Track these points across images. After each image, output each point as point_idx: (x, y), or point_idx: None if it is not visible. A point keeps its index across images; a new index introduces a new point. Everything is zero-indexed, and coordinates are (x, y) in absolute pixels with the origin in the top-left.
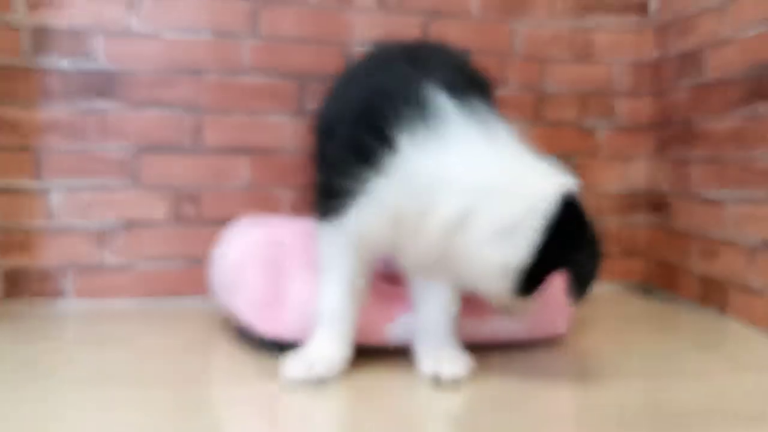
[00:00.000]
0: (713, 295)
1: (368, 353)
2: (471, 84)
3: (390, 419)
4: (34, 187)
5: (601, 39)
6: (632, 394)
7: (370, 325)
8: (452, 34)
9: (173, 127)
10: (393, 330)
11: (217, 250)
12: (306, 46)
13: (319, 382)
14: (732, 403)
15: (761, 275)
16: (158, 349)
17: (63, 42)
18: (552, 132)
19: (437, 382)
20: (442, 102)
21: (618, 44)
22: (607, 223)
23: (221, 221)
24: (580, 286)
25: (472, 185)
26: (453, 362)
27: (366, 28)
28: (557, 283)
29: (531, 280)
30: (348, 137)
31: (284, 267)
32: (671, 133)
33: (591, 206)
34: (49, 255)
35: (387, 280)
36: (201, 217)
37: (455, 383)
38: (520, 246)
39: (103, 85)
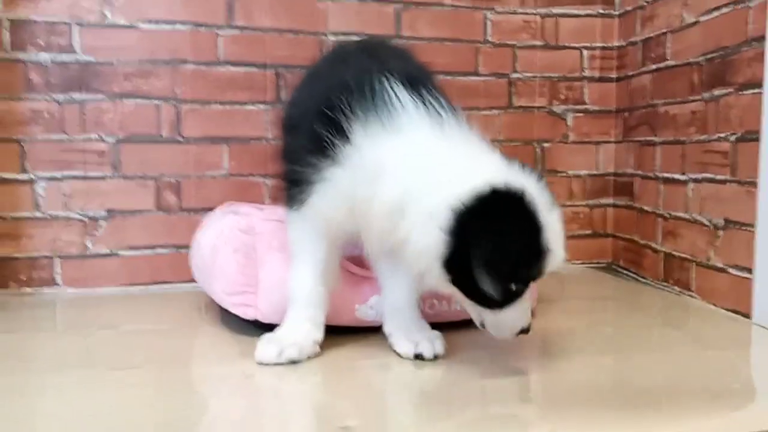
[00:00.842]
0: (677, 273)
1: (340, 332)
2: (421, 74)
3: (363, 396)
4: (18, 178)
5: (569, 27)
6: (599, 371)
7: (341, 305)
8: (425, 23)
9: (152, 117)
10: (364, 310)
11: (194, 237)
12: (282, 37)
13: (291, 363)
14: (697, 380)
15: (723, 254)
16: (143, 333)
17: (41, 35)
18: (523, 118)
19: (419, 361)
20: (395, 94)
21: (585, 32)
22: (578, 205)
23: (202, 209)
24: (479, 282)
25: (410, 173)
26: (433, 342)
27: (340, 18)
28: None
29: (454, 272)
30: (308, 130)
31: (255, 253)
32: (636, 118)
33: (559, 190)
34: (35, 245)
35: (358, 263)
36: (182, 206)
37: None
38: (435, 235)
39: (81, 76)
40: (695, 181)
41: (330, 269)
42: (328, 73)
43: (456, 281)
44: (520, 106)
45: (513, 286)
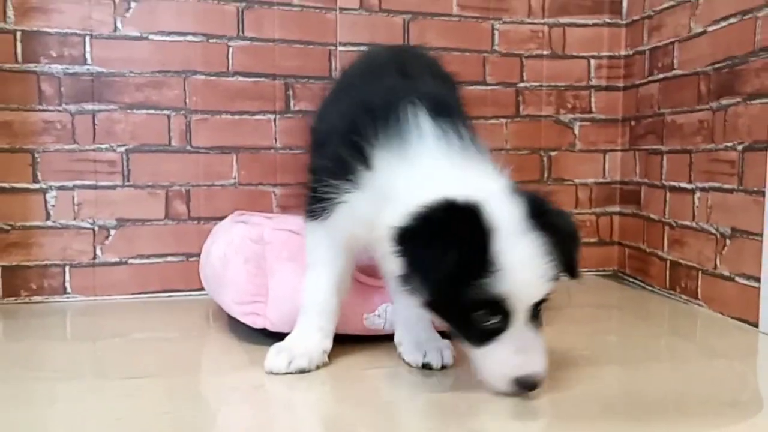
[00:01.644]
0: (684, 282)
1: (348, 340)
2: (446, 96)
3: (371, 405)
4: (30, 188)
5: (576, 36)
6: (606, 380)
7: (350, 314)
8: (433, 33)
9: (163, 127)
10: (372, 319)
11: (204, 246)
12: (291, 48)
13: (300, 373)
14: (705, 389)
15: (730, 263)
16: (152, 341)
17: (53, 46)
18: (530, 126)
19: (427, 370)
20: (417, 122)
21: (592, 41)
22: (584, 213)
23: (212, 218)
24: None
25: (412, 200)
26: (442, 351)
27: (349, 29)
28: None
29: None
30: (333, 152)
31: (265, 262)
32: (643, 126)
33: (566, 199)
34: (46, 253)
35: (367, 272)
36: (192, 215)
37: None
38: (393, 259)
39: (93, 87)
40: (702, 190)
41: (344, 280)
42: (356, 90)
43: (427, 305)
44: (528, 115)
45: (486, 319)
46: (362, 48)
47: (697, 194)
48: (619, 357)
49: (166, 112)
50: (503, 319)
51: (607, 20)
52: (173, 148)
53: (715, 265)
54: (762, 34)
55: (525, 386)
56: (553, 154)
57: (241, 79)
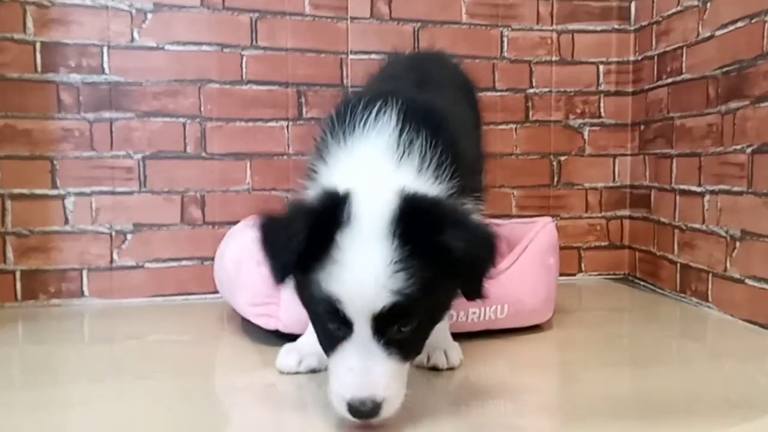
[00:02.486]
0: (694, 284)
1: None
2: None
3: None
4: (49, 194)
5: (585, 42)
6: (617, 383)
7: None
8: (442, 40)
9: (179, 134)
10: None
11: (218, 250)
12: (304, 56)
13: (310, 372)
14: (715, 391)
15: (740, 265)
16: (168, 343)
17: (72, 56)
18: (540, 131)
19: (434, 371)
20: (371, 121)
21: (601, 47)
22: (594, 217)
23: (226, 223)
24: None
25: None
26: (447, 352)
27: (361, 38)
28: (538, 275)
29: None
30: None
31: None
32: (653, 131)
33: (576, 203)
34: (64, 257)
35: None
36: (207, 219)
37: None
38: None
39: (111, 96)
40: (712, 192)
41: None
42: (359, 93)
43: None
44: (537, 120)
45: (328, 321)
46: (373, 56)
47: (707, 197)
48: (630, 359)
49: (181, 119)
50: (343, 326)
51: (616, 26)
52: (189, 154)
53: (726, 267)
54: None
55: (352, 412)
56: (562, 158)
57: (254, 87)
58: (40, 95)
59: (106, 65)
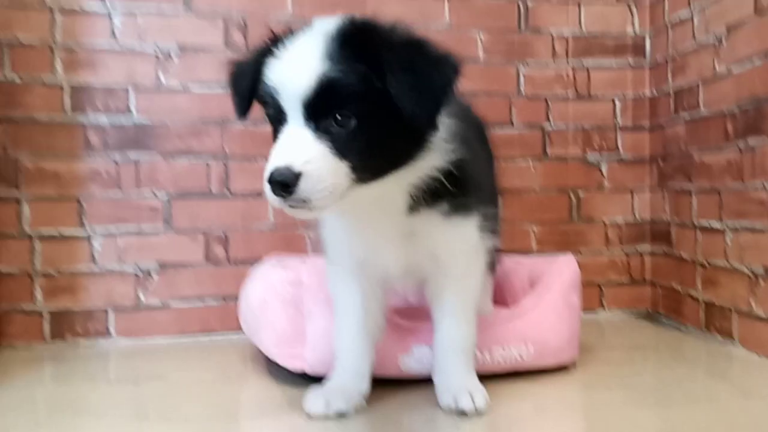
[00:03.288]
0: (719, 322)
1: (387, 383)
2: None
3: None
4: (76, 234)
5: (601, 78)
6: (646, 425)
7: (385, 356)
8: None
9: (203, 174)
10: (408, 361)
11: (243, 290)
12: None
13: (339, 417)
14: (743, 430)
15: (765, 303)
16: (192, 383)
17: (99, 98)
18: (557, 167)
19: (460, 415)
20: None
21: (617, 82)
22: (614, 252)
23: (249, 261)
24: None
25: None
26: (472, 395)
27: None
28: (562, 314)
29: None
30: None
31: (303, 305)
32: (671, 166)
33: (595, 238)
34: (91, 297)
35: (404, 316)
36: (230, 258)
37: (477, 415)
38: None
39: (137, 137)
40: (734, 229)
41: (372, 321)
42: None
43: None
44: (555, 156)
45: (274, 115)
46: None
47: (729, 234)
48: (657, 400)
49: (205, 159)
50: (282, 113)
51: (631, 62)
52: (212, 193)
53: (750, 305)
54: None
55: (272, 187)
56: (581, 194)
57: None
58: (68, 136)
59: (132, 107)
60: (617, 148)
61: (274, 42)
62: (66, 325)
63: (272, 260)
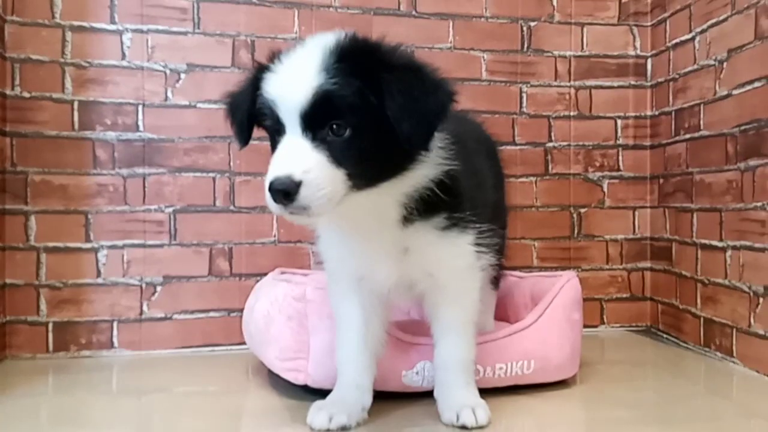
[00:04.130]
0: (719, 339)
1: (388, 397)
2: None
3: None
4: (82, 247)
5: (603, 97)
6: None
7: (388, 371)
8: (464, 96)
9: (208, 189)
10: (410, 376)
11: (248, 304)
12: None
13: (341, 431)
14: None
15: (764, 321)
16: (195, 395)
17: (108, 115)
18: (559, 184)
19: (462, 430)
20: None
21: (618, 102)
22: (615, 269)
23: (252, 275)
24: None
25: None
26: (474, 410)
27: None
28: (564, 330)
29: None
30: None
31: (307, 320)
32: (672, 185)
33: (596, 255)
34: (95, 309)
35: (406, 330)
36: (234, 271)
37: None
38: None
39: (144, 153)
40: (734, 248)
41: (373, 335)
42: None
43: None
44: (557, 173)
45: (273, 128)
46: None
47: (729, 252)
48: (657, 417)
49: (211, 174)
50: (280, 125)
51: (633, 82)
52: (218, 208)
53: (749, 323)
54: None
55: (273, 195)
56: (582, 211)
57: None
58: (76, 152)
59: (140, 123)
60: (618, 166)
61: (271, 59)
62: (70, 337)
63: (276, 274)
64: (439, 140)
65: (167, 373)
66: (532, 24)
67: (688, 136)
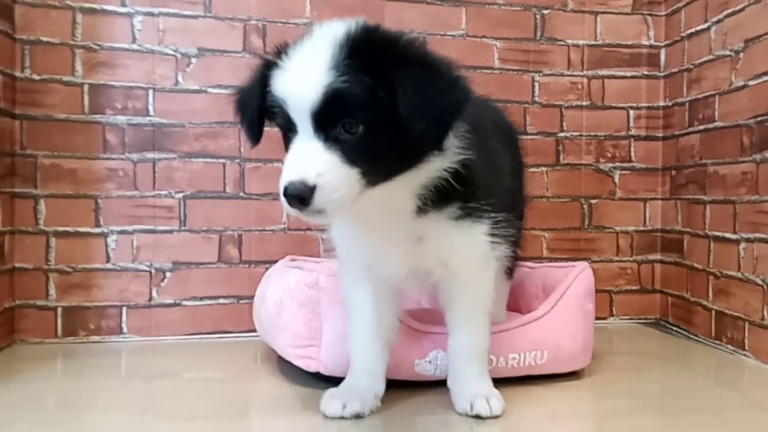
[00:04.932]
0: (730, 332)
1: (401, 386)
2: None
3: None
4: (92, 232)
5: (615, 87)
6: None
7: (401, 360)
8: (475, 85)
9: (218, 174)
10: (423, 365)
11: (258, 291)
12: None
13: (354, 418)
14: None
15: None
16: (203, 381)
17: (118, 99)
18: (570, 175)
19: (477, 419)
20: None
21: (631, 92)
22: (625, 261)
23: (262, 262)
24: None
25: None
26: (488, 399)
27: None
28: (577, 321)
29: None
30: None
31: (320, 307)
32: (684, 176)
33: (606, 246)
34: (105, 295)
35: (419, 319)
36: (243, 258)
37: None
38: None
39: (155, 137)
40: (748, 240)
41: (386, 323)
42: None
43: None
44: (568, 164)
45: (284, 127)
46: None
47: (742, 245)
48: (666, 408)
49: (221, 160)
50: (292, 125)
51: (645, 72)
52: (227, 194)
53: (763, 316)
54: None
55: (288, 199)
56: (593, 201)
57: None
58: (86, 136)
59: (150, 107)
60: (630, 157)
61: (278, 53)
62: (79, 322)
63: (287, 261)
64: (454, 131)
65: (176, 359)
66: (546, 12)
67: (702, 127)
